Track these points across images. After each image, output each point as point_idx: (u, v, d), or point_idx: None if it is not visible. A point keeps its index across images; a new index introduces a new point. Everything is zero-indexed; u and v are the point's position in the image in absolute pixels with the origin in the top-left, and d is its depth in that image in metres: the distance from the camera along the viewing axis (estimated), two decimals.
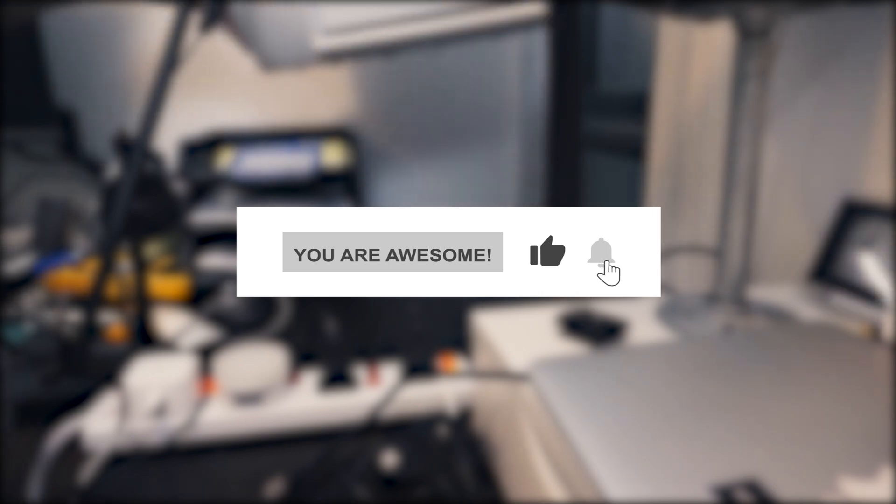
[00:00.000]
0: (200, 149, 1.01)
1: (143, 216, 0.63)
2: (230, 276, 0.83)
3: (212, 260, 0.90)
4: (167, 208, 0.66)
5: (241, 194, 0.96)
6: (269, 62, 0.67)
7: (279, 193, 0.94)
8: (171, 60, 0.42)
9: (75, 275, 0.83)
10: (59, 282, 0.82)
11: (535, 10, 0.74)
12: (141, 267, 0.66)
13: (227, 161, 0.97)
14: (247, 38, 0.65)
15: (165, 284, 0.80)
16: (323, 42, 0.66)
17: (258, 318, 0.76)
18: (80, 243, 0.94)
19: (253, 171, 0.93)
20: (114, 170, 0.69)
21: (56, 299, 0.80)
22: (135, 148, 0.41)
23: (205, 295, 0.80)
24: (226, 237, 0.92)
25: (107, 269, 0.41)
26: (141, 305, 0.67)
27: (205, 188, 0.96)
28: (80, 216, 0.97)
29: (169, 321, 0.74)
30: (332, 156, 0.96)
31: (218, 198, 0.96)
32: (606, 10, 1.10)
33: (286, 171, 0.93)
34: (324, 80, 1.16)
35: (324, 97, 1.17)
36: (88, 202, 0.98)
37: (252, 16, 0.63)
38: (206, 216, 0.91)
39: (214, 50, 0.96)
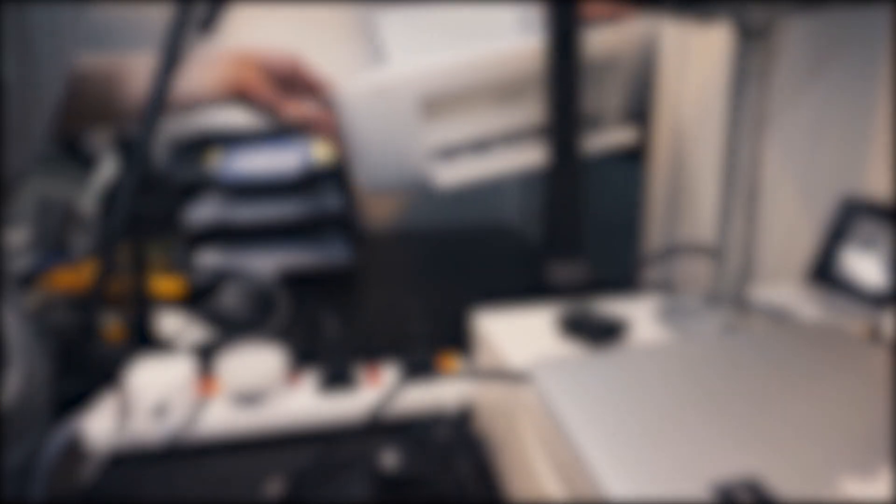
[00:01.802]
0: (189, 148, 1.00)
1: (143, 216, 0.63)
2: (228, 276, 0.83)
3: (206, 259, 0.90)
4: (167, 208, 0.66)
5: (232, 193, 0.96)
6: (374, 186, 0.70)
7: (271, 191, 0.94)
8: (171, 60, 0.42)
9: (74, 275, 0.83)
10: (58, 282, 0.82)
11: (623, 136, 0.77)
12: (141, 267, 0.66)
13: (217, 160, 0.96)
14: (353, 160, 0.69)
15: (164, 284, 0.80)
16: (445, 175, 0.68)
17: (257, 317, 0.76)
18: (80, 243, 0.94)
19: (243, 171, 0.93)
20: (107, 168, 0.69)
21: (55, 299, 0.80)
22: (134, 147, 0.41)
23: (201, 295, 0.80)
24: (219, 236, 0.92)
25: (107, 269, 0.41)
26: (140, 305, 0.67)
27: (195, 188, 0.96)
28: (80, 216, 0.97)
29: (168, 321, 0.74)
30: (322, 151, 0.96)
31: (208, 197, 0.95)
32: None
33: (276, 169, 0.93)
34: None
35: None
36: (87, 202, 0.97)
37: (354, 140, 0.67)
38: (197, 215, 0.91)
39: None
